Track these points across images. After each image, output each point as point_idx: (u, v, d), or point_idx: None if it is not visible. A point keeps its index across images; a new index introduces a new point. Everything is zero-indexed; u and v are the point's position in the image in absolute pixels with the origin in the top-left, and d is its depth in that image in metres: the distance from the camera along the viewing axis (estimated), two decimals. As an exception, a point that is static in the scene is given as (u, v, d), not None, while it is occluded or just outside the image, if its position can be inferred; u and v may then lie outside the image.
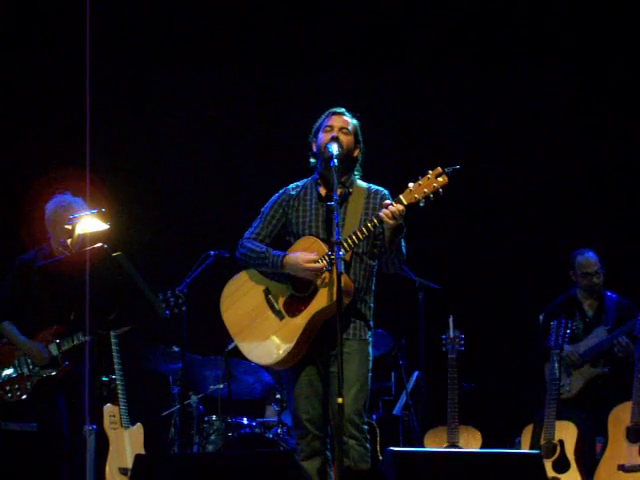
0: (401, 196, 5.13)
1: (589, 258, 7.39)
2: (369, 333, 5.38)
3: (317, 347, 5.27)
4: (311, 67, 8.53)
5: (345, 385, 5.11)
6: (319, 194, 5.43)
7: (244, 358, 5.50)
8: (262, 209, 5.53)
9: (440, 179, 5.09)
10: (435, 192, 5.09)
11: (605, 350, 7.21)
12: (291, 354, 5.23)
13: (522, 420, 7.15)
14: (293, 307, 5.29)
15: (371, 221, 5.17)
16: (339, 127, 5.40)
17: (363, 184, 5.48)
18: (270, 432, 7.25)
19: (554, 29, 8.44)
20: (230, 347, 6.91)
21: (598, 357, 7.24)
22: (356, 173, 5.49)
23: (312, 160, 5.49)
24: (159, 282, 6.48)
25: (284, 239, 5.47)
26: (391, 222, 5.07)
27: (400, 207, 5.08)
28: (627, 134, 8.47)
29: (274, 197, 5.53)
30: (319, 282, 5.22)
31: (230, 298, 5.45)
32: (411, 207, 5.11)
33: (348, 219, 5.32)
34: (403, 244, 5.26)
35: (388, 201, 5.16)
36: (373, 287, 5.43)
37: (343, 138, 5.38)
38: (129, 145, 8.46)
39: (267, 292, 5.38)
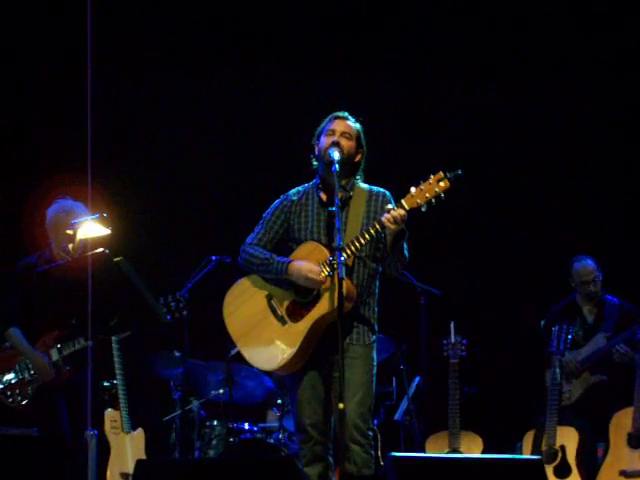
0: (403, 201, 5.13)
1: (586, 266, 7.39)
2: (373, 337, 5.37)
3: (320, 352, 5.27)
4: (314, 70, 8.54)
5: (350, 391, 5.13)
6: (320, 199, 5.43)
7: (246, 363, 5.50)
8: (264, 215, 5.52)
9: (442, 184, 5.08)
10: (437, 197, 5.09)
11: (603, 358, 7.20)
12: (294, 359, 5.23)
13: (523, 425, 7.15)
14: (295, 312, 5.28)
15: (373, 226, 5.16)
16: (341, 131, 5.39)
17: (364, 186, 5.47)
18: (271, 437, 7.25)
19: (555, 38, 8.44)
20: (233, 352, 6.89)
21: (596, 365, 7.24)
22: (358, 177, 5.49)
23: (314, 163, 5.50)
24: (161, 287, 6.48)
25: (286, 245, 5.47)
26: (393, 227, 5.08)
27: (401, 212, 5.08)
28: (627, 139, 8.48)
29: (275, 203, 5.53)
30: (321, 287, 5.22)
31: (233, 304, 5.45)
32: (413, 212, 5.11)
33: (350, 223, 5.32)
34: (405, 247, 5.26)
35: (390, 206, 5.15)
36: (376, 290, 5.42)
37: (344, 143, 5.37)
38: (131, 150, 8.46)
39: (269, 297, 5.37)
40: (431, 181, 5.10)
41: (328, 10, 8.52)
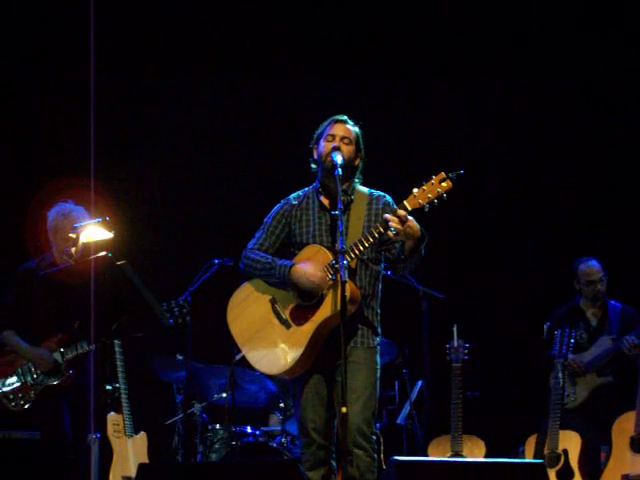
0: (405, 202, 5.12)
1: (592, 266, 7.40)
2: (377, 339, 5.36)
3: (324, 356, 5.26)
4: (316, 75, 8.54)
5: (353, 395, 5.12)
6: (321, 203, 5.43)
7: (249, 367, 5.50)
8: (264, 220, 5.52)
9: (444, 184, 5.08)
10: (439, 197, 5.09)
11: (610, 359, 7.20)
12: (299, 363, 5.23)
13: (526, 429, 7.14)
14: (299, 316, 5.27)
15: (376, 227, 5.16)
16: (340, 136, 5.38)
17: (364, 190, 5.47)
18: (274, 441, 7.24)
19: (554, 41, 8.44)
20: (238, 357, 6.88)
21: (603, 366, 7.23)
22: (356, 180, 5.49)
23: (313, 166, 5.50)
24: (163, 291, 6.48)
25: (288, 250, 5.47)
26: (399, 227, 5.05)
27: (403, 212, 5.06)
28: (632, 142, 8.48)
29: (276, 208, 5.53)
30: (325, 290, 5.22)
31: (237, 309, 5.44)
32: (416, 213, 5.11)
33: (351, 226, 5.32)
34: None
35: (401, 211, 5.12)
36: (379, 293, 5.42)
37: (344, 148, 5.36)
38: (133, 154, 8.47)
39: (273, 302, 5.37)
40: (433, 181, 5.10)
41: (328, 14, 8.52)
